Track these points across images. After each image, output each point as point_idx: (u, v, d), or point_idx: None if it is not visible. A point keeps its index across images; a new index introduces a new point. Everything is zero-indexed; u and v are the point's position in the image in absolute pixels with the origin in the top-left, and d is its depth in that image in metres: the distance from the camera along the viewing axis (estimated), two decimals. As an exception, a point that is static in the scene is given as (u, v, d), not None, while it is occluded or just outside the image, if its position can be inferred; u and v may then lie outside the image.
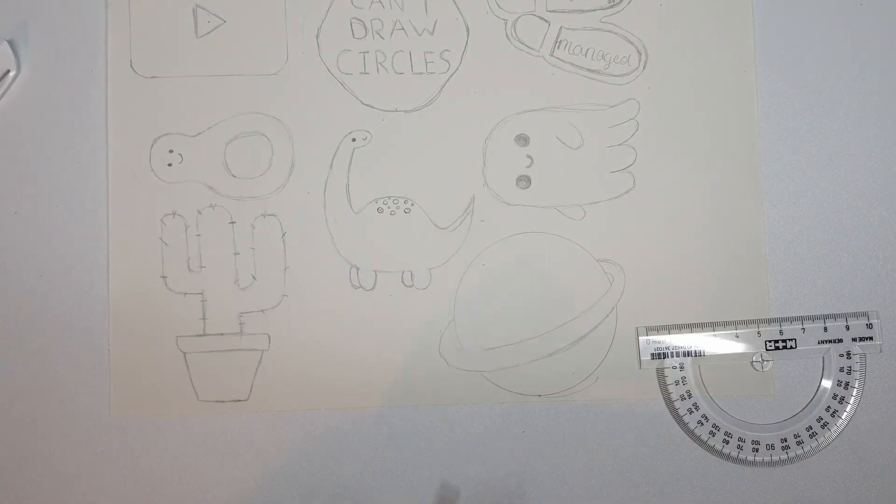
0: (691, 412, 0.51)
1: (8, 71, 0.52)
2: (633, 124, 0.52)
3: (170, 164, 0.52)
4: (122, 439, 0.51)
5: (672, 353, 0.51)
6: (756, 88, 0.52)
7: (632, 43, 0.52)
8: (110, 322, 0.52)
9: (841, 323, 0.51)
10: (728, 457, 0.51)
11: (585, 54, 0.52)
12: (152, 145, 0.52)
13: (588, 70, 0.52)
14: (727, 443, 0.50)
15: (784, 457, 0.51)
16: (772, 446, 0.51)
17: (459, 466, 0.51)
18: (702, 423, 0.51)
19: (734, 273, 0.52)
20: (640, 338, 0.51)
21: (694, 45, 0.52)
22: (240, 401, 0.52)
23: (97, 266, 0.52)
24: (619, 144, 0.52)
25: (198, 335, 0.52)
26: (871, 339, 0.51)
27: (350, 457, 0.51)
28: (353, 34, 0.52)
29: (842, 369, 0.51)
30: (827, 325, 0.51)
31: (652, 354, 0.51)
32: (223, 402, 0.52)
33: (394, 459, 0.51)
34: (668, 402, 0.51)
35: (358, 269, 0.52)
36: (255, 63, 0.52)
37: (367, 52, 0.52)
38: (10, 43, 0.52)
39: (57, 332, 0.52)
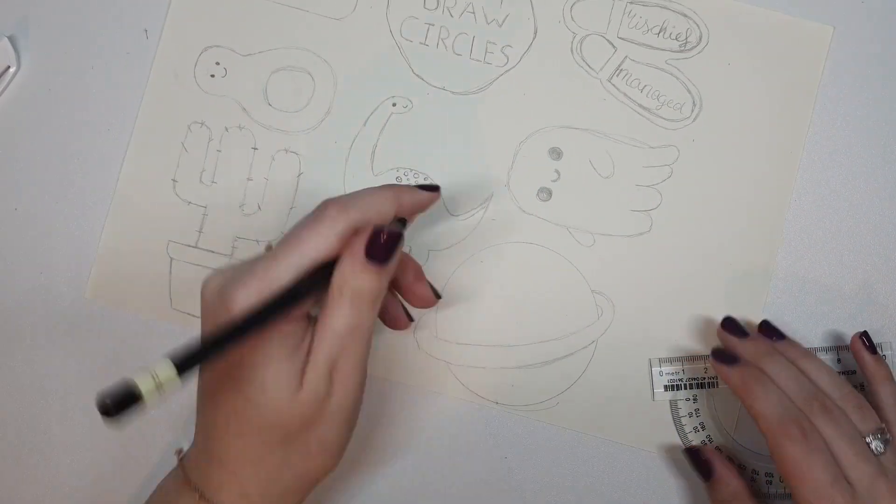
0: (704, 444, 0.51)
1: (8, 67, 0.52)
2: (668, 170, 0.52)
3: (212, 76, 0.53)
4: (90, 320, 0.52)
5: (685, 384, 0.51)
6: (797, 175, 0.52)
7: (690, 92, 0.52)
8: (111, 206, 0.52)
9: None
10: None
11: (642, 90, 0.52)
12: (201, 52, 0.53)
13: (640, 105, 0.52)
14: (741, 475, 0.50)
15: None
16: None
17: (399, 443, 0.51)
18: None
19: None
20: (652, 369, 0.51)
21: (749, 112, 0.52)
22: (210, 320, 0.52)
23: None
24: (648, 186, 0.52)
25: (189, 245, 0.52)
26: None
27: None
28: (424, 4, 0.53)
29: None
30: (840, 356, 0.51)
31: (665, 386, 0.51)
32: (194, 315, 0.52)
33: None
34: (682, 433, 0.51)
35: (360, 228, 0.52)
36: (323, 3, 0.53)
37: (433, 25, 0.53)
38: (11, 39, 0.53)
39: (55, 206, 0.52)
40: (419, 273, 0.46)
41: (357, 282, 0.40)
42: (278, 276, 0.39)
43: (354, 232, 0.40)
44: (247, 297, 0.38)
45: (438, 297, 0.47)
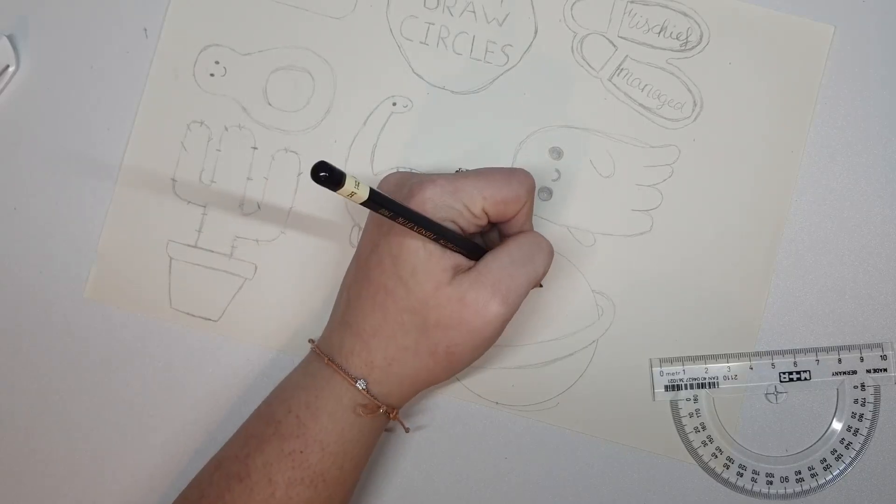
0: (705, 444, 0.51)
1: (8, 66, 0.52)
2: (669, 170, 0.52)
3: (212, 75, 0.52)
4: (89, 320, 0.52)
5: (686, 384, 0.51)
6: (798, 172, 0.52)
7: (691, 91, 0.52)
8: (110, 206, 0.52)
9: (855, 354, 0.51)
10: (742, 489, 0.51)
11: (642, 89, 0.52)
12: (201, 51, 0.52)
13: (640, 105, 0.52)
14: (741, 475, 0.50)
15: (798, 489, 0.50)
16: (786, 479, 0.51)
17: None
18: (716, 456, 0.51)
19: (729, 330, 0.51)
20: (653, 369, 0.51)
21: (750, 112, 0.52)
22: (209, 320, 0.52)
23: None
24: (649, 185, 0.52)
25: (189, 245, 0.52)
26: (885, 370, 0.51)
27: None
28: (424, 3, 0.52)
29: (856, 401, 0.51)
30: (841, 356, 0.51)
31: (665, 386, 0.51)
32: (193, 315, 0.52)
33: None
34: (682, 434, 0.51)
35: (360, 228, 0.52)
36: (323, 2, 0.52)
37: (433, 25, 0.52)
38: (11, 39, 0.53)
39: (55, 206, 0.52)
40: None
41: (544, 242, 0.46)
42: (464, 188, 0.44)
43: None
44: (434, 192, 0.43)
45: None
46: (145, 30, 0.53)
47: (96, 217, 0.52)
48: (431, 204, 0.43)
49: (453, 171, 0.49)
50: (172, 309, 0.52)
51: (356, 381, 0.44)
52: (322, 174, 0.36)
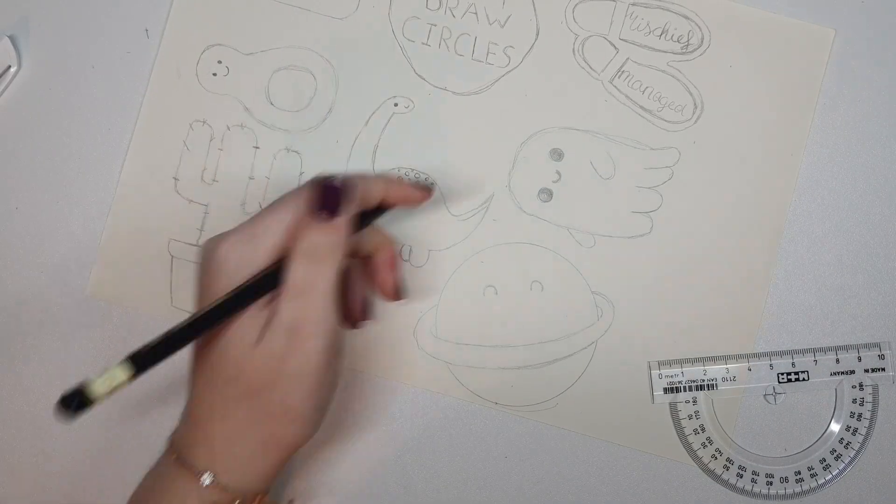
0: (705, 446, 0.51)
1: (9, 67, 0.52)
2: (669, 172, 0.52)
3: (214, 74, 0.53)
4: (91, 319, 0.52)
5: (685, 387, 0.51)
6: (798, 176, 0.52)
7: (691, 94, 0.52)
8: (112, 204, 0.52)
9: (853, 354, 0.51)
10: (742, 490, 0.51)
11: (643, 91, 0.52)
12: (204, 50, 0.53)
13: (641, 107, 0.52)
14: (741, 476, 0.51)
15: (798, 489, 0.51)
16: (785, 479, 0.51)
17: (389, 441, 0.52)
18: (715, 458, 0.51)
19: (728, 328, 0.51)
20: (651, 372, 0.51)
21: (751, 114, 0.52)
22: (210, 318, 0.52)
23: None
24: (649, 188, 0.52)
25: (190, 244, 0.52)
26: (883, 370, 0.51)
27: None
28: (426, 4, 0.53)
29: (854, 401, 0.51)
30: (839, 356, 0.51)
31: (664, 389, 0.51)
32: (194, 314, 0.52)
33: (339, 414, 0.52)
34: (682, 436, 0.51)
35: (361, 228, 0.52)
36: (326, 3, 0.53)
37: (435, 26, 0.53)
38: (11, 39, 0.53)
39: (55, 205, 0.52)
40: (392, 258, 0.46)
41: (310, 235, 0.41)
42: (260, 232, 0.41)
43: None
44: (227, 251, 0.41)
45: (400, 297, 0.47)
46: (147, 30, 0.53)
47: (97, 216, 0.52)
48: (233, 263, 0.41)
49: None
50: (174, 307, 0.52)
51: (201, 476, 0.40)
52: (69, 404, 0.37)
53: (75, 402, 0.37)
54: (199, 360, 0.42)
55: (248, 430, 0.41)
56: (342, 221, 0.41)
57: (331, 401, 0.43)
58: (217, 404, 0.41)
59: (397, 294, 0.47)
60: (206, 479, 0.40)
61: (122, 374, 0.38)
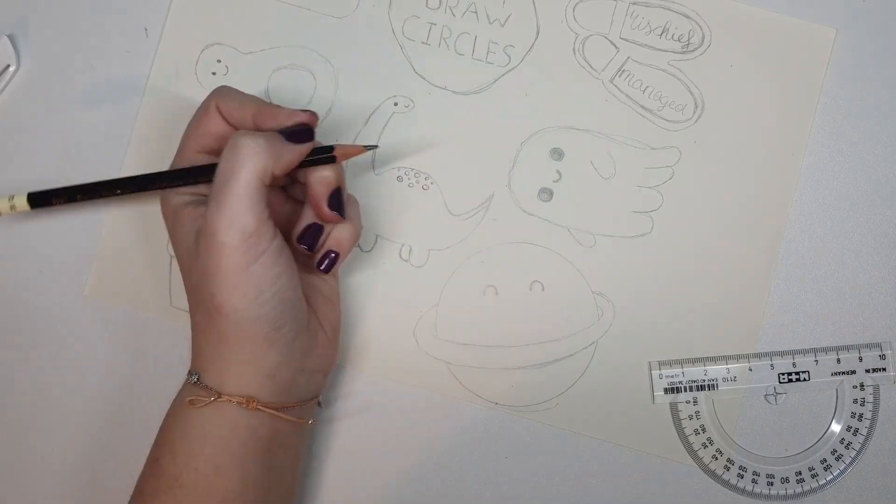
0: (705, 447, 0.51)
1: (8, 66, 0.52)
2: (669, 171, 0.52)
3: (213, 73, 0.52)
4: (90, 319, 0.52)
5: (685, 387, 0.51)
6: (799, 175, 0.52)
7: (692, 93, 0.52)
8: (111, 205, 0.52)
9: (854, 354, 0.51)
10: (743, 491, 0.51)
11: (644, 91, 0.52)
12: (203, 50, 0.52)
13: (642, 107, 0.52)
14: (742, 477, 0.51)
15: (799, 490, 0.51)
16: (786, 479, 0.51)
17: (387, 441, 0.51)
18: (716, 458, 0.51)
19: (729, 328, 0.51)
20: (652, 372, 0.51)
21: (751, 114, 0.52)
22: (210, 318, 0.52)
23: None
24: (650, 187, 0.52)
25: (190, 244, 0.52)
26: (884, 370, 0.51)
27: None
28: (426, 3, 0.52)
29: (855, 401, 0.51)
30: (840, 356, 0.51)
31: (665, 389, 0.51)
32: (194, 314, 0.52)
33: (338, 415, 0.51)
34: (682, 436, 0.51)
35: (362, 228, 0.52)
36: (325, 2, 0.52)
37: (435, 25, 0.52)
38: (11, 38, 0.53)
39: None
40: (331, 179, 0.45)
41: (235, 136, 0.43)
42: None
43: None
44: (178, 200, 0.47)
45: (336, 216, 0.46)
46: (146, 29, 0.53)
47: (97, 216, 0.52)
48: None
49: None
50: (173, 307, 0.52)
51: (191, 377, 0.44)
52: None
53: None
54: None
55: (206, 331, 0.43)
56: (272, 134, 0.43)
57: (286, 303, 0.43)
58: (194, 312, 0.45)
59: (330, 209, 0.45)
60: (194, 377, 0.44)
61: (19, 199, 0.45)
